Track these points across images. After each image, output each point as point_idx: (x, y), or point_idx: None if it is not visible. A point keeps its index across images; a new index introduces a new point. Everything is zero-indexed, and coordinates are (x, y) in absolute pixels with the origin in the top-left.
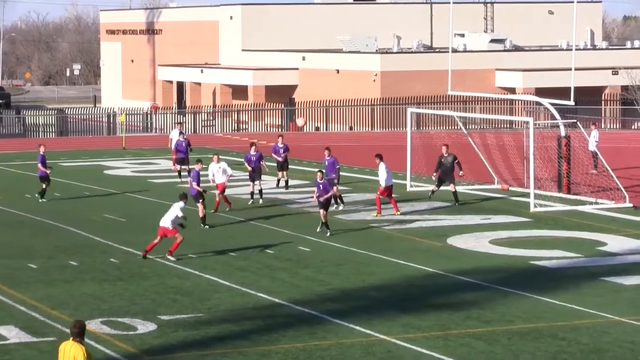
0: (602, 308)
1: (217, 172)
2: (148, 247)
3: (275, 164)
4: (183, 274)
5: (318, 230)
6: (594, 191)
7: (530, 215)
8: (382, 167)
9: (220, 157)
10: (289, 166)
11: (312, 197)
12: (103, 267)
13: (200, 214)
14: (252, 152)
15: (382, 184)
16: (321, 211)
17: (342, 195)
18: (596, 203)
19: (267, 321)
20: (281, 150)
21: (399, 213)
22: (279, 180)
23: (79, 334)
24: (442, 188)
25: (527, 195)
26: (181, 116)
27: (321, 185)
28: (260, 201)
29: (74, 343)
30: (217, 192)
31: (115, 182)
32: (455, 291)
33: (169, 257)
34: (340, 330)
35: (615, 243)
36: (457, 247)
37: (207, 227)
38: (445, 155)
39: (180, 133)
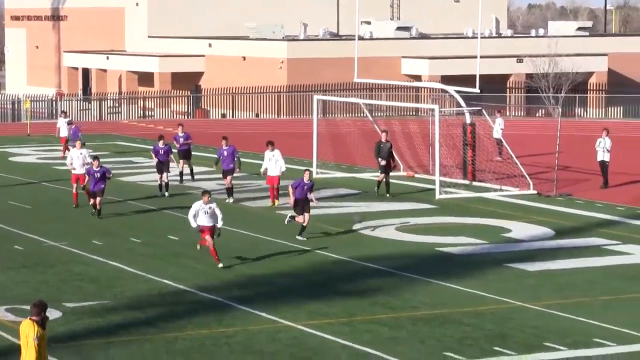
0: (506, 294)
1: (76, 158)
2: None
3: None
4: (88, 261)
5: (299, 237)
6: (498, 178)
7: (435, 202)
8: (266, 155)
9: (86, 144)
10: (192, 154)
11: (289, 200)
12: (8, 255)
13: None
14: (161, 145)
15: (268, 172)
16: (302, 216)
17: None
18: (501, 190)
19: (172, 308)
20: (181, 139)
21: (274, 204)
22: (181, 173)
23: (36, 313)
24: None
25: (432, 182)
26: (86, 103)
27: (305, 187)
28: (166, 194)
29: (28, 321)
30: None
31: (20, 169)
32: (361, 278)
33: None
34: (247, 317)
35: (519, 230)
36: (363, 234)
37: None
38: (384, 141)
39: (68, 123)
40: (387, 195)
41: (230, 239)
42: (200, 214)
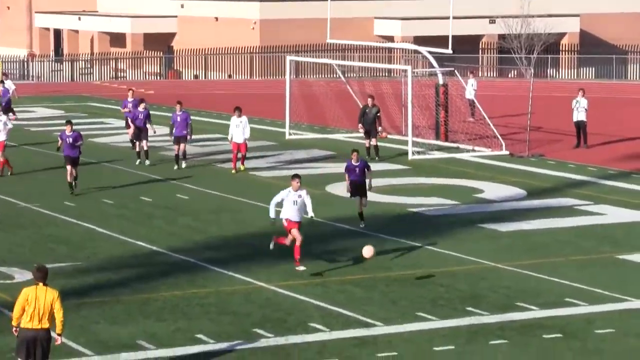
0: (479, 254)
1: None
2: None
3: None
4: (61, 223)
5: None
6: (471, 139)
7: (408, 163)
8: (233, 120)
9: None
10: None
11: (347, 187)
12: None
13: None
14: (141, 109)
15: (233, 138)
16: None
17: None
18: (473, 151)
19: (145, 269)
20: (129, 105)
21: (237, 171)
22: (132, 141)
23: (45, 277)
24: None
25: (405, 143)
26: (58, 64)
27: (357, 169)
28: (147, 162)
29: (45, 287)
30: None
31: None
32: (334, 239)
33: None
34: (220, 278)
35: (491, 190)
36: (336, 195)
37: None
38: (370, 106)
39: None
40: (376, 158)
41: (200, 199)
42: (286, 204)
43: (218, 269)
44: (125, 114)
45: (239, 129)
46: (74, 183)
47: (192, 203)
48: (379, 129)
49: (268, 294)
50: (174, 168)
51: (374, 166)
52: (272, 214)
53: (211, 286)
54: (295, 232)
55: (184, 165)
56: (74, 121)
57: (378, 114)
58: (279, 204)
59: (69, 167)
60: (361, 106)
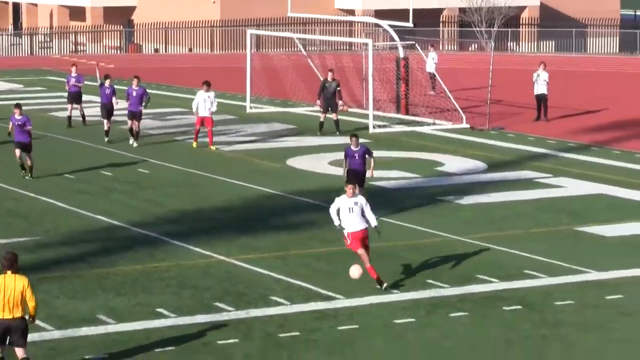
0: (439, 227)
1: None
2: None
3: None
4: (19, 197)
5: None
6: (431, 112)
7: (369, 136)
8: (200, 94)
9: None
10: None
11: (344, 174)
12: None
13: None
14: (107, 84)
15: (198, 112)
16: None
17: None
18: (434, 124)
19: (105, 243)
20: (73, 80)
21: (213, 147)
22: (69, 118)
23: (12, 264)
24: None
25: (366, 116)
26: (17, 37)
27: (357, 156)
28: (135, 144)
29: (14, 275)
30: None
31: None
32: (294, 212)
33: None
34: (179, 252)
35: (452, 163)
36: (296, 168)
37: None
38: (330, 80)
39: None
40: (337, 133)
41: (160, 174)
42: (343, 214)
43: (178, 243)
44: (70, 89)
45: (206, 103)
46: (30, 172)
47: (152, 177)
48: (339, 102)
49: (228, 267)
50: (129, 142)
51: (334, 140)
52: (335, 221)
53: (171, 260)
54: (362, 253)
55: (135, 144)
56: (33, 95)
57: (338, 88)
58: (338, 211)
59: (18, 152)
60: (322, 80)
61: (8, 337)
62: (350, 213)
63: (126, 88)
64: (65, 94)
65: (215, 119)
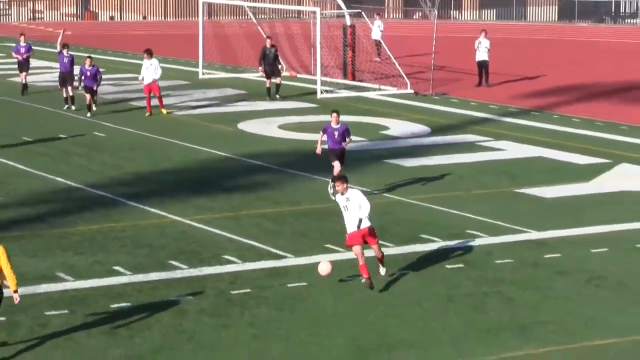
0: (385, 189)
1: None
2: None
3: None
4: None
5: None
6: (377, 78)
7: (317, 102)
8: (144, 63)
9: None
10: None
11: (317, 150)
12: None
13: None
14: (65, 53)
15: (144, 80)
16: (336, 164)
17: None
18: (379, 89)
19: (64, 204)
20: (22, 50)
21: (164, 111)
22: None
23: None
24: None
25: (314, 82)
26: None
27: (336, 134)
28: (73, 107)
29: None
30: None
31: None
32: (246, 174)
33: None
34: (135, 213)
35: (397, 127)
36: (247, 132)
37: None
38: (269, 47)
39: None
40: (277, 96)
41: (116, 137)
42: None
43: (134, 204)
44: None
45: (149, 71)
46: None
47: (108, 141)
48: (280, 66)
49: (182, 227)
50: (86, 115)
51: (283, 104)
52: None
53: (127, 220)
54: (357, 249)
55: (89, 115)
56: None
57: (276, 54)
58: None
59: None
60: (269, 46)
61: None
62: (345, 211)
63: (81, 54)
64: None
65: (169, 84)
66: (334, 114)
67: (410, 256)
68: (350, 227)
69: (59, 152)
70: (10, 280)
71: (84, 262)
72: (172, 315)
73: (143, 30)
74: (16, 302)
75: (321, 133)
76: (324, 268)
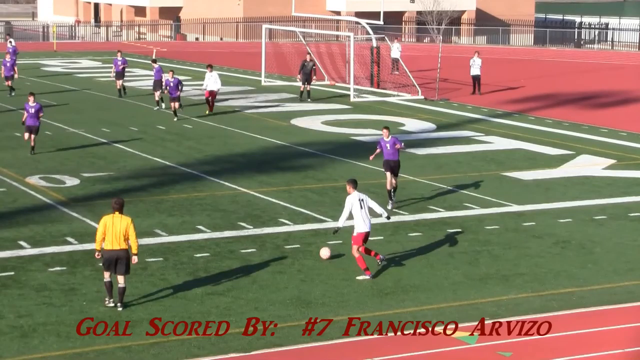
0: (401, 171)
1: None
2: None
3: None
4: (98, 144)
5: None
6: (396, 87)
7: (350, 104)
8: (207, 75)
9: None
10: (125, 76)
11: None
12: (40, 138)
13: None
14: (156, 66)
15: (207, 87)
16: (388, 175)
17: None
18: (398, 95)
19: (160, 178)
20: (119, 63)
21: (208, 113)
22: (119, 90)
23: (121, 208)
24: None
25: (348, 89)
26: (97, 28)
27: (388, 146)
28: (175, 119)
29: (120, 216)
30: None
31: (50, 75)
32: (296, 158)
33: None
34: (214, 185)
35: (411, 124)
36: (298, 126)
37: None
38: (308, 61)
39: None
40: (308, 100)
41: (199, 128)
42: (355, 212)
43: (212, 179)
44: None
45: (210, 80)
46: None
47: (194, 131)
48: (314, 77)
49: (248, 197)
50: (173, 120)
51: (309, 106)
52: (339, 224)
53: (207, 191)
54: (355, 249)
55: (175, 119)
56: (106, 70)
57: (314, 67)
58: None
59: (27, 135)
60: (308, 60)
61: (116, 265)
62: (360, 210)
63: (174, 66)
64: (142, 70)
65: (238, 89)
66: (385, 130)
67: (419, 222)
68: (362, 229)
69: (156, 138)
70: (133, 245)
71: (175, 222)
72: (240, 263)
73: (220, 49)
74: (133, 262)
75: (378, 148)
76: (325, 253)
